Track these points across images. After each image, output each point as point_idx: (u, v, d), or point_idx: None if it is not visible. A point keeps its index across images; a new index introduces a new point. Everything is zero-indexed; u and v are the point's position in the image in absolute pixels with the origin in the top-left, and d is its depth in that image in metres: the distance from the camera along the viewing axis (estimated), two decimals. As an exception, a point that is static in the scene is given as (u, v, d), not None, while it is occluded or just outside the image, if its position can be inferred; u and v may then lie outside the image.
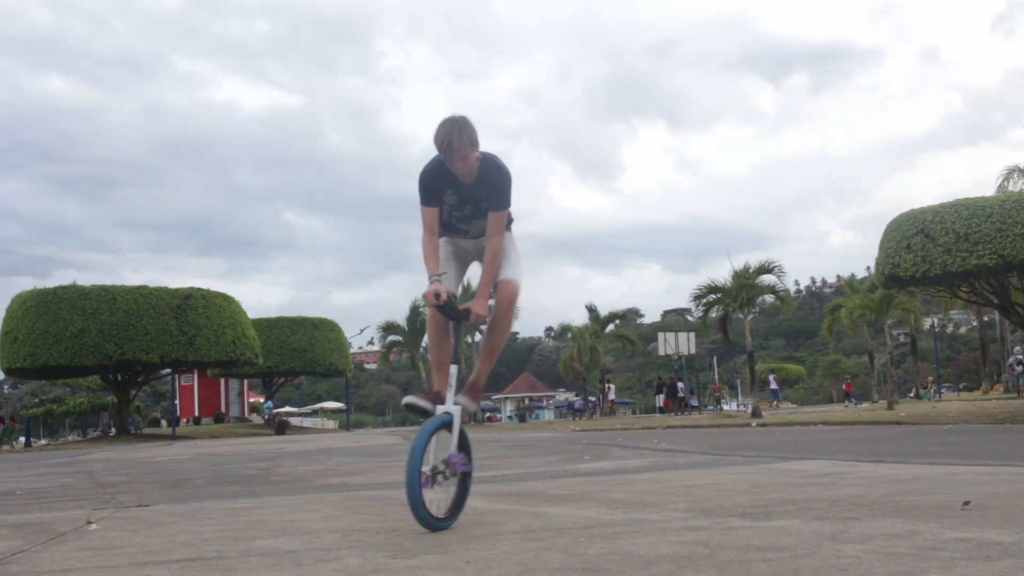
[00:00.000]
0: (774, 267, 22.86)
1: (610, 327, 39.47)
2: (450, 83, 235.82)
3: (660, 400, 34.82)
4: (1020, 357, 30.93)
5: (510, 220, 3.84)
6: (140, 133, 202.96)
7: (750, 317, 23.94)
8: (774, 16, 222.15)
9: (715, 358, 61.92)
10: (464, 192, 3.65)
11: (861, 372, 61.39)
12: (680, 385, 34.13)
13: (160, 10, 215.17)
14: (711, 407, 37.77)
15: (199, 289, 27.61)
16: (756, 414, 21.03)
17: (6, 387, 74.49)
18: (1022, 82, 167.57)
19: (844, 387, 43.67)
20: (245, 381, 48.83)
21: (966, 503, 3.36)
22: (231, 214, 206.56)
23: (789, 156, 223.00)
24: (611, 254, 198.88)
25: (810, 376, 65.91)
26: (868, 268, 60.32)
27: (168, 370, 29.24)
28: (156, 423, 44.95)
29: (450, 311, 3.54)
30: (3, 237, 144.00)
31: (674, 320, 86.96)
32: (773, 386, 40.79)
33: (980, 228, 13.91)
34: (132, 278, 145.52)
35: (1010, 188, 26.84)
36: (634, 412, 49.66)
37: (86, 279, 76.83)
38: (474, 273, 3.98)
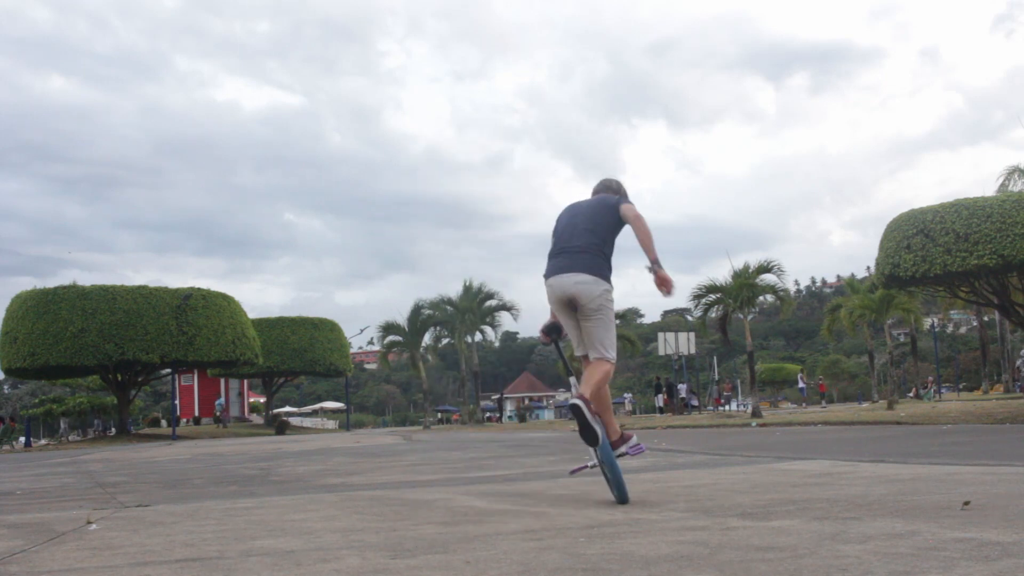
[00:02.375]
0: (774, 267, 22.86)
1: (610, 327, 39.40)
2: (451, 83, 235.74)
3: (660, 400, 34.83)
4: None
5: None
6: (141, 133, 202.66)
7: (750, 317, 23.93)
8: (775, 16, 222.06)
9: (715, 358, 61.90)
10: None
11: (861, 372, 61.41)
12: (682, 387, 34.19)
13: (161, 10, 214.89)
14: (711, 407, 37.74)
15: (199, 289, 27.61)
16: (756, 414, 21.03)
17: (6, 387, 74.51)
18: (1022, 82, 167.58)
19: (819, 387, 44.17)
20: (245, 381, 48.82)
21: (966, 503, 3.36)
22: (232, 214, 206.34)
23: (789, 156, 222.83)
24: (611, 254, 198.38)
25: (810, 376, 65.95)
26: (868, 268, 60.43)
27: (168, 370, 29.25)
28: (156, 423, 44.95)
29: None
30: (4, 237, 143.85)
31: (674, 320, 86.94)
32: (801, 384, 40.85)
33: (980, 228, 13.91)
34: (133, 278, 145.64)
35: (1011, 188, 26.83)
36: (634, 412, 49.60)
37: (87, 279, 76.97)
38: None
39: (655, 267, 4.02)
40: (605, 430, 4.09)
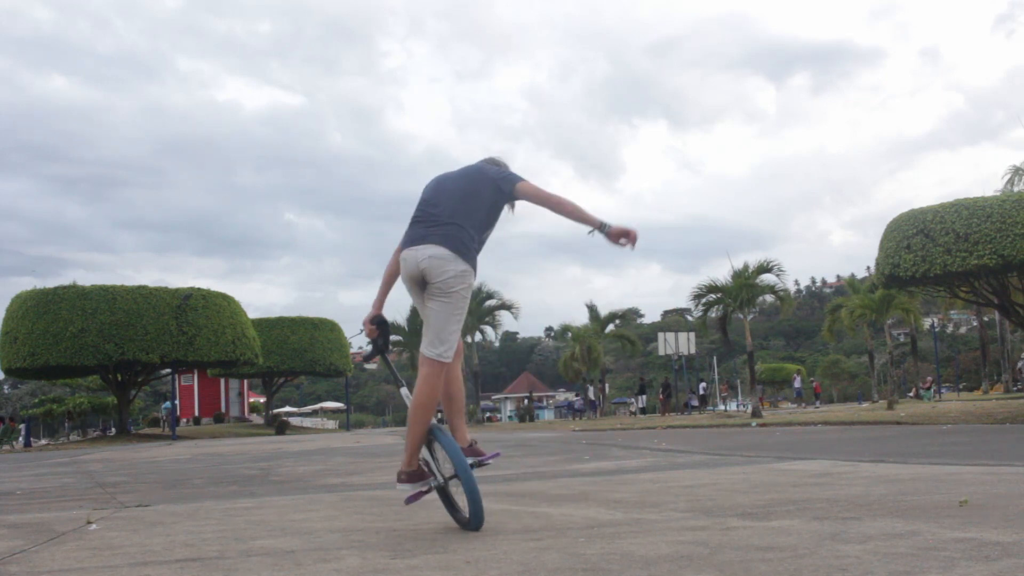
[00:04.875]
0: (773, 267, 22.85)
1: (610, 327, 39.47)
2: (452, 83, 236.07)
3: (643, 400, 35.01)
4: None
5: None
6: (142, 133, 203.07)
7: (750, 317, 23.93)
8: (776, 16, 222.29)
9: (715, 358, 61.88)
10: None
11: (861, 372, 61.37)
12: (703, 385, 34.64)
13: (162, 10, 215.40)
14: (712, 407, 37.82)
15: (199, 289, 27.60)
16: (756, 414, 21.03)
17: (6, 387, 74.49)
18: (1023, 82, 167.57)
19: (814, 388, 44.50)
20: (245, 381, 48.81)
21: (962, 502, 3.36)
22: (232, 214, 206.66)
23: (790, 156, 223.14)
24: (612, 254, 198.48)
25: (810, 376, 65.99)
26: (868, 268, 60.42)
27: (168, 370, 29.25)
28: (156, 423, 44.92)
29: None
30: (5, 237, 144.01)
31: (674, 320, 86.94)
32: (797, 385, 41.00)
33: (980, 228, 13.91)
34: (134, 278, 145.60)
35: (1017, 188, 26.92)
36: (635, 412, 49.67)
37: (88, 279, 77.02)
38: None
39: (605, 227, 3.38)
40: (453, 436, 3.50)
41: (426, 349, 3.40)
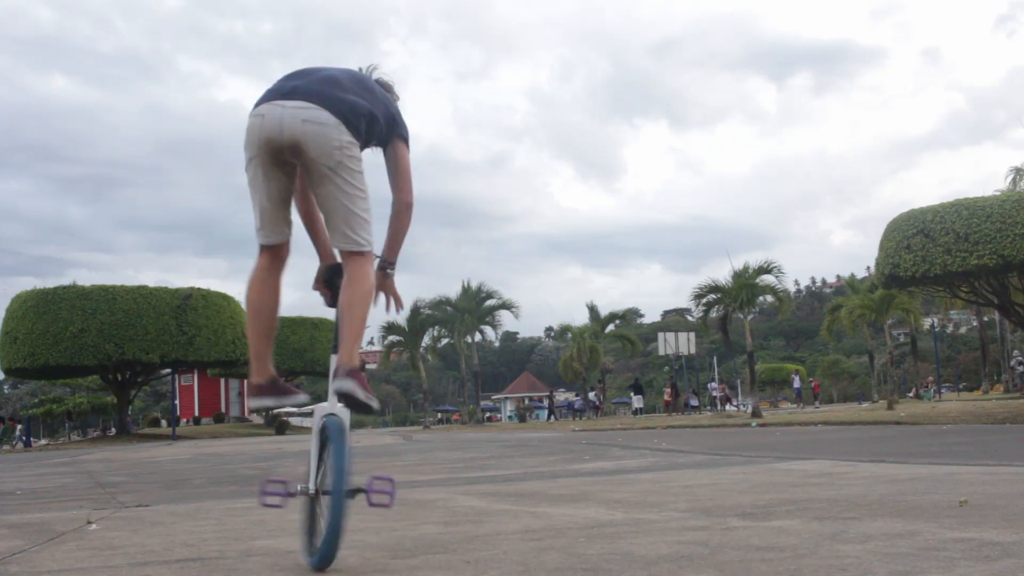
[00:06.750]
0: (773, 268, 22.90)
1: (610, 327, 39.53)
2: (453, 83, 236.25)
3: (638, 400, 35.02)
4: (1022, 359, 31.07)
5: None
6: (143, 133, 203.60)
7: (750, 317, 23.95)
8: (777, 15, 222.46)
9: (715, 358, 61.91)
10: None
11: (861, 372, 61.37)
12: (713, 384, 34.72)
13: (163, 10, 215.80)
14: (710, 408, 37.81)
15: (199, 289, 27.62)
16: (756, 414, 21.03)
17: (6, 387, 74.53)
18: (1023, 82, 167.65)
19: (813, 388, 44.74)
20: (245, 381, 48.84)
21: (963, 501, 3.36)
22: (233, 214, 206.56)
23: (791, 156, 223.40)
24: (612, 254, 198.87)
25: (810, 376, 65.98)
26: (868, 268, 60.40)
27: (168, 370, 29.25)
28: (156, 423, 44.94)
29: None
30: (6, 237, 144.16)
31: (674, 320, 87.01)
32: (796, 385, 41.11)
33: (980, 228, 13.92)
34: (135, 278, 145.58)
35: (1020, 188, 27.03)
36: (637, 413, 49.64)
37: (90, 279, 77.10)
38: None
39: (389, 269, 2.76)
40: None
41: (346, 243, 2.54)
